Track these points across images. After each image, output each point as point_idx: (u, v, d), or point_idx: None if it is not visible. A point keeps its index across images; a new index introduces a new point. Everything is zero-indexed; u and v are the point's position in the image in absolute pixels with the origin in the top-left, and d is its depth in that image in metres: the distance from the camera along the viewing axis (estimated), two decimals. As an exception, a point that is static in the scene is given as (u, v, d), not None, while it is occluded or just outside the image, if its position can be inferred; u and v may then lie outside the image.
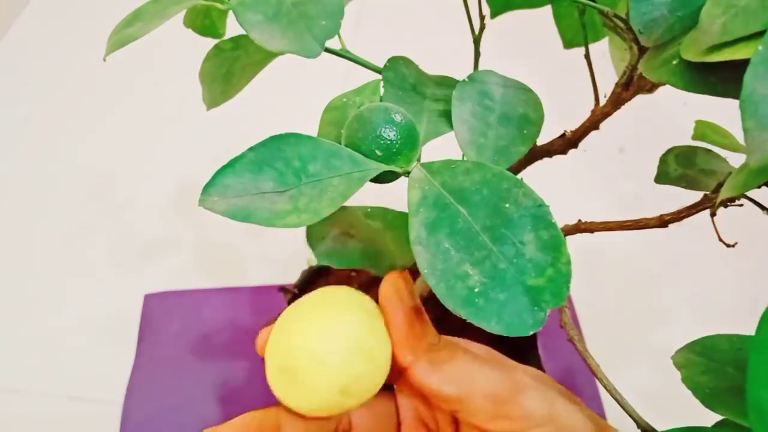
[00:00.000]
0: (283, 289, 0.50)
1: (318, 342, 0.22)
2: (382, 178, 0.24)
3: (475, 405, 0.22)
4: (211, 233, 0.68)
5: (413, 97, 0.29)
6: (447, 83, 0.30)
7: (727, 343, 0.27)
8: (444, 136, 0.28)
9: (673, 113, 0.66)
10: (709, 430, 0.24)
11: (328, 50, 0.26)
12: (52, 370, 0.59)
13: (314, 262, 0.49)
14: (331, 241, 0.25)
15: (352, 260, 0.25)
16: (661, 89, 0.28)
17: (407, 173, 0.24)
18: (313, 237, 0.26)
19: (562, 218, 0.22)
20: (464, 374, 0.23)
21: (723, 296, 0.62)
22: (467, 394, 0.22)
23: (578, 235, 0.32)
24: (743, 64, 0.18)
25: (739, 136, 0.18)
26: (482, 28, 0.32)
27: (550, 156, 0.33)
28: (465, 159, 0.26)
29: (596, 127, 0.31)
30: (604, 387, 0.27)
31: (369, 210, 0.24)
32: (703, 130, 0.32)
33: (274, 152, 0.22)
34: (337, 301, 0.24)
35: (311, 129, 0.27)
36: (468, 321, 0.19)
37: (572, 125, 0.32)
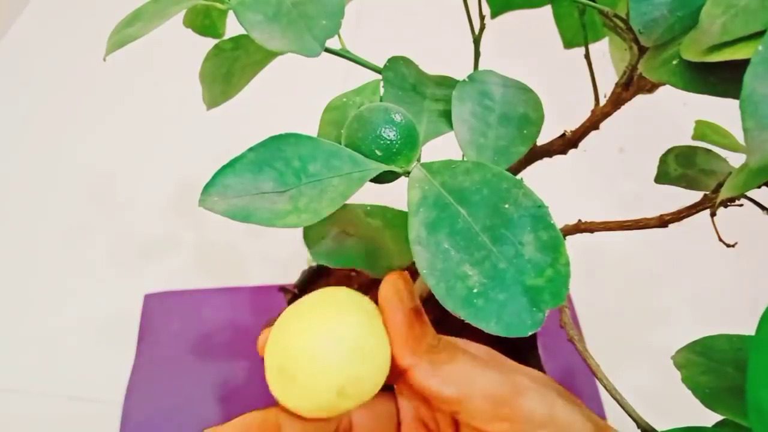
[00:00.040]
0: (283, 289, 0.50)
1: (316, 343, 0.22)
2: (382, 178, 0.24)
3: (474, 407, 0.22)
4: (211, 233, 0.68)
5: (413, 97, 0.29)
6: (447, 83, 0.30)
7: (727, 343, 0.27)
8: (444, 136, 0.28)
9: (673, 113, 0.66)
10: (709, 430, 0.24)
11: (328, 50, 0.26)
12: (52, 370, 0.59)
13: (314, 262, 0.49)
14: (329, 241, 0.25)
15: (349, 260, 0.25)
16: (661, 89, 0.28)
17: (407, 173, 0.24)
18: (310, 237, 0.26)
19: (562, 218, 0.22)
20: (464, 376, 0.22)
21: (723, 296, 0.62)
22: (467, 396, 0.22)
23: (578, 235, 0.32)
24: (743, 64, 0.18)
25: (739, 136, 0.18)
26: (482, 28, 0.32)
27: (550, 156, 0.33)
28: (465, 159, 0.26)
29: (596, 127, 0.31)
30: (604, 387, 0.27)
31: (369, 208, 0.24)
32: (703, 130, 0.32)
33: (274, 152, 0.22)
34: (336, 302, 0.23)
35: (311, 129, 0.27)
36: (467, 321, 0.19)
37: (572, 125, 0.32)
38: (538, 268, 0.20)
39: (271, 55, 0.33)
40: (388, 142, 0.24)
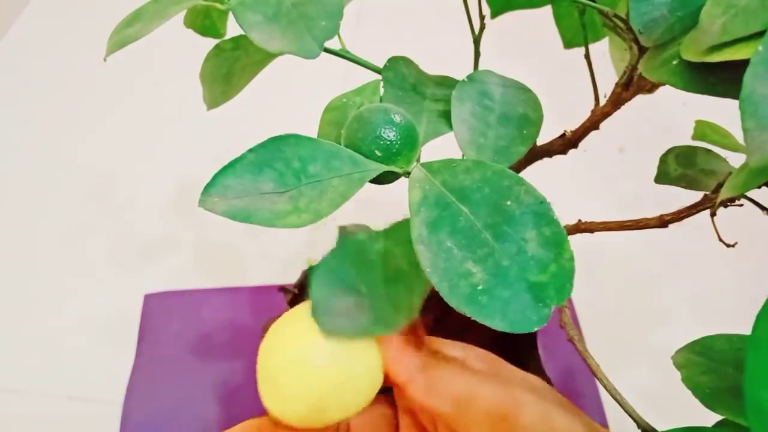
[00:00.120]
0: (283, 289, 0.50)
1: (298, 354, 0.22)
2: (382, 179, 0.24)
3: (472, 422, 0.22)
4: (211, 233, 0.68)
5: (413, 97, 0.29)
6: (447, 83, 0.30)
7: (727, 343, 0.27)
8: (444, 136, 0.28)
9: (673, 113, 0.66)
10: (709, 430, 0.24)
11: (327, 50, 0.26)
12: (52, 370, 0.59)
13: (314, 262, 0.49)
14: (343, 319, 0.23)
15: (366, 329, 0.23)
16: (661, 89, 0.28)
17: (407, 173, 0.24)
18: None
19: (562, 218, 0.22)
20: (461, 391, 0.22)
21: (723, 296, 0.62)
22: (464, 412, 0.22)
23: (578, 235, 0.32)
24: (743, 64, 0.18)
25: (739, 136, 0.18)
26: (482, 28, 0.32)
27: (550, 156, 0.33)
28: (465, 158, 0.26)
29: (596, 127, 0.31)
30: (604, 387, 0.27)
31: (373, 233, 0.23)
32: (703, 130, 0.32)
33: (274, 153, 0.22)
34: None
35: (311, 129, 0.27)
36: (470, 320, 0.19)
37: (572, 125, 0.32)
38: (542, 264, 0.20)
39: (271, 56, 0.33)
40: (388, 142, 0.24)
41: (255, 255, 0.66)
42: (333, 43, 0.27)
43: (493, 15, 0.35)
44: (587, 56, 0.31)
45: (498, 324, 0.19)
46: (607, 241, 0.51)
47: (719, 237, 0.28)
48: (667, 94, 0.28)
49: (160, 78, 0.84)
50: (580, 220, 0.32)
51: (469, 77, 0.29)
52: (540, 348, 0.44)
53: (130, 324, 0.61)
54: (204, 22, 0.34)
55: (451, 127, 0.27)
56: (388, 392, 0.26)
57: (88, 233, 0.69)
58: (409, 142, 0.24)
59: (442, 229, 0.21)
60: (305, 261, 0.51)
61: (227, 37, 0.34)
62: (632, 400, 0.26)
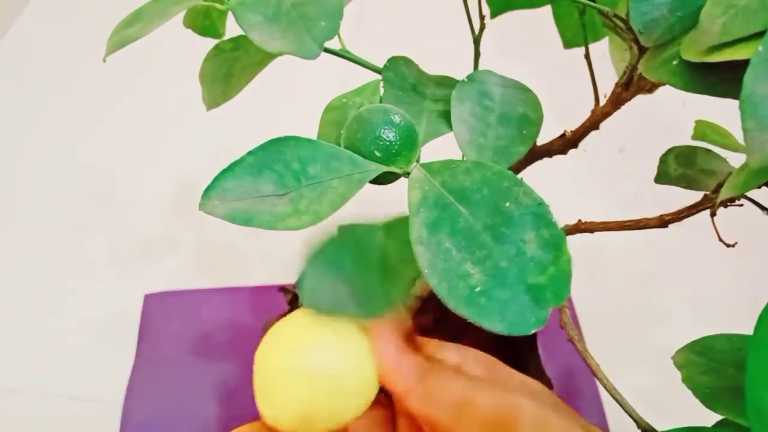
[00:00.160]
0: (283, 289, 0.50)
1: (291, 361, 0.22)
2: (382, 179, 0.24)
3: (470, 431, 0.22)
4: (211, 233, 0.68)
5: (413, 98, 0.29)
6: (447, 83, 0.30)
7: (727, 343, 0.27)
8: (444, 136, 0.28)
9: (673, 113, 0.66)
10: (709, 430, 0.24)
11: (327, 50, 0.26)
12: (52, 370, 0.59)
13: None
14: (325, 289, 0.23)
15: (344, 305, 0.23)
16: (661, 89, 0.28)
17: (407, 174, 0.24)
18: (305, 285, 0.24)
19: (562, 218, 0.22)
20: (459, 401, 0.22)
21: (723, 296, 0.62)
22: (463, 421, 0.22)
23: (578, 235, 0.32)
24: (743, 64, 0.18)
25: (739, 136, 0.18)
26: (482, 28, 0.32)
27: (550, 156, 0.33)
28: (465, 159, 0.26)
29: (596, 127, 0.31)
30: (604, 387, 0.27)
31: (373, 223, 0.24)
32: (703, 130, 0.32)
33: (274, 155, 0.22)
34: (322, 322, 0.23)
35: (311, 129, 0.27)
36: (469, 322, 0.19)
37: (572, 125, 0.32)
38: (540, 266, 0.20)
39: (270, 56, 0.33)
40: (388, 143, 0.24)
41: (255, 255, 0.66)
42: (333, 43, 0.27)
43: (493, 15, 0.35)
44: (587, 56, 0.31)
45: (496, 326, 0.19)
46: (607, 241, 0.51)
47: (719, 237, 0.28)
48: (667, 94, 0.28)
49: (160, 78, 0.84)
50: (580, 220, 0.32)
51: (469, 77, 0.29)
52: (540, 348, 0.44)
53: (130, 324, 0.61)
54: (204, 23, 0.34)
55: (451, 127, 0.27)
56: (386, 392, 0.26)
57: (88, 233, 0.69)
58: (409, 142, 0.24)
59: (441, 230, 0.21)
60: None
61: (226, 37, 0.34)
62: (632, 400, 0.26)
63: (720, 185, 0.27)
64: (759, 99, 0.17)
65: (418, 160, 0.24)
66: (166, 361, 0.58)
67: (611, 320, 0.61)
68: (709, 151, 0.32)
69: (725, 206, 0.27)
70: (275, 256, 0.66)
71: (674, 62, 0.22)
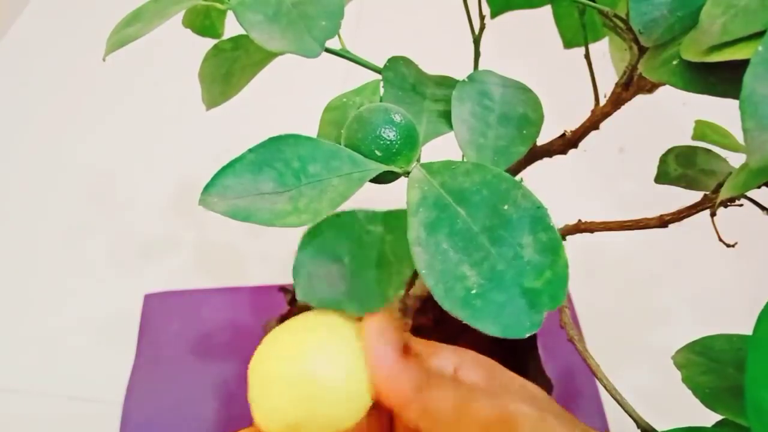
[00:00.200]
0: (283, 289, 0.50)
1: (284, 369, 0.22)
2: (382, 179, 0.24)
3: None
4: (211, 233, 0.68)
5: (413, 97, 0.29)
6: (447, 83, 0.30)
7: (727, 343, 0.27)
8: (444, 136, 0.28)
9: (673, 113, 0.66)
10: (709, 430, 0.24)
11: (328, 50, 0.26)
12: (52, 370, 0.59)
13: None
14: (318, 279, 0.23)
15: (337, 300, 0.23)
16: (661, 89, 0.28)
17: (407, 173, 0.24)
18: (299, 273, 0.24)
19: (562, 218, 0.22)
20: (457, 413, 0.22)
21: (723, 296, 0.62)
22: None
23: (578, 235, 0.32)
24: (743, 64, 0.18)
25: (739, 136, 0.18)
26: (482, 28, 0.32)
27: (550, 156, 0.33)
28: (465, 159, 0.26)
29: (596, 127, 0.31)
30: (604, 387, 0.27)
31: (370, 213, 0.24)
32: (703, 130, 0.32)
33: (274, 153, 0.22)
34: (316, 332, 0.23)
35: (311, 129, 0.27)
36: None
37: (572, 125, 0.32)
38: (537, 270, 0.20)
39: (270, 56, 0.33)
40: (388, 142, 0.24)
41: (255, 255, 0.66)
42: (333, 43, 0.27)
43: (493, 15, 0.35)
44: (587, 56, 0.31)
45: (491, 328, 0.19)
46: (607, 241, 0.51)
47: (719, 237, 0.28)
48: (667, 94, 0.28)
49: (160, 78, 0.84)
50: (580, 220, 0.32)
51: (469, 77, 0.29)
52: (540, 348, 0.44)
53: (130, 324, 0.61)
54: (203, 22, 0.34)
55: (451, 127, 0.27)
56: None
57: (88, 233, 0.69)
58: (409, 142, 0.24)
59: (439, 231, 0.21)
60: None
61: (226, 37, 0.34)
62: (632, 400, 0.26)
63: (720, 185, 0.27)
64: (759, 99, 0.17)
65: (418, 160, 0.24)
66: (166, 361, 0.58)
67: (611, 320, 0.61)
68: (709, 151, 0.32)
69: (725, 206, 0.27)
70: (275, 256, 0.66)
71: (674, 62, 0.22)
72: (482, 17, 0.32)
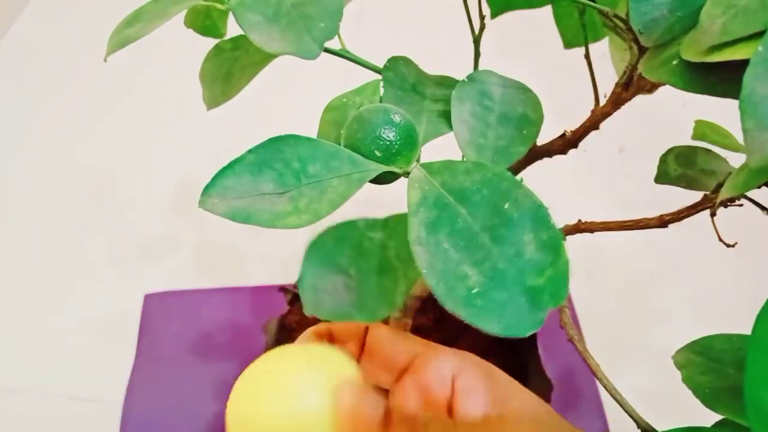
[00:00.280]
0: (283, 289, 0.50)
1: (254, 413, 0.22)
2: (382, 179, 0.24)
3: None
4: (211, 233, 0.68)
5: (413, 98, 0.29)
6: (447, 83, 0.30)
7: (727, 343, 0.27)
8: (444, 136, 0.28)
9: (673, 113, 0.66)
10: (709, 430, 0.24)
11: (327, 50, 0.26)
12: (52, 370, 0.59)
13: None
14: (327, 295, 0.23)
15: (347, 312, 0.23)
16: (661, 89, 0.28)
17: (407, 174, 0.24)
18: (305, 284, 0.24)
19: (562, 218, 0.22)
20: None
21: (723, 296, 0.62)
22: None
23: (578, 235, 0.32)
24: (743, 64, 0.18)
25: (739, 136, 0.18)
26: (482, 28, 0.32)
27: (550, 156, 0.33)
28: (465, 159, 0.26)
29: (596, 127, 0.31)
30: (604, 387, 0.27)
31: (370, 221, 0.24)
32: (703, 130, 0.32)
33: (274, 154, 0.22)
34: (298, 369, 0.23)
35: (311, 129, 0.27)
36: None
37: (572, 125, 0.32)
38: (538, 268, 0.20)
39: (271, 56, 0.33)
40: (388, 142, 0.24)
41: (255, 255, 0.66)
42: (333, 43, 0.27)
43: (493, 15, 0.35)
44: (587, 56, 0.31)
45: (493, 327, 0.19)
46: (607, 241, 0.51)
47: (719, 237, 0.28)
48: (667, 94, 0.28)
49: (160, 78, 0.84)
50: (580, 220, 0.32)
51: (469, 77, 0.29)
52: (540, 348, 0.44)
53: (130, 324, 0.61)
54: (204, 22, 0.34)
55: (451, 127, 0.27)
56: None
57: (88, 233, 0.69)
58: (409, 142, 0.24)
59: (440, 230, 0.21)
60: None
61: (227, 37, 0.34)
62: (632, 400, 0.26)
63: (720, 185, 0.27)
64: (759, 99, 0.17)
65: (418, 160, 0.24)
66: (166, 361, 0.58)
67: (611, 320, 0.61)
68: (709, 151, 0.32)
69: (725, 206, 0.27)
70: (275, 256, 0.66)
71: (674, 62, 0.22)
72: (482, 17, 0.32)
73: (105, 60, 0.27)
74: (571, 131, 0.32)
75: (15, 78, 0.87)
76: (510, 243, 0.20)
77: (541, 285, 0.19)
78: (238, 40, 0.33)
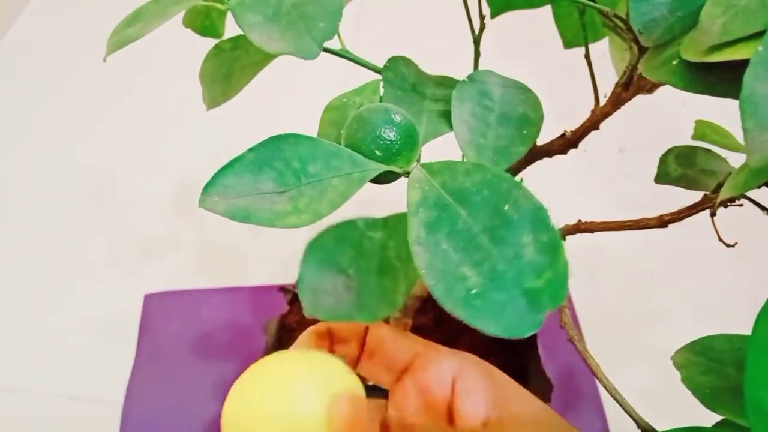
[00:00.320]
0: (283, 289, 0.50)
1: (250, 417, 0.22)
2: (382, 179, 0.24)
3: None
4: (211, 233, 0.68)
5: (413, 97, 0.29)
6: (447, 83, 0.30)
7: (727, 343, 0.27)
8: (444, 136, 0.28)
9: (673, 113, 0.66)
10: (709, 430, 0.24)
11: (327, 50, 0.26)
12: (52, 370, 0.59)
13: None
14: (327, 296, 0.23)
15: (347, 312, 0.23)
16: (661, 89, 0.28)
17: (407, 173, 0.24)
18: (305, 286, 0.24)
19: (562, 218, 0.22)
20: None
21: (723, 296, 0.62)
22: None
23: (578, 235, 0.32)
24: (743, 64, 0.18)
25: (739, 136, 0.18)
26: (482, 28, 0.32)
27: (550, 156, 0.33)
28: (465, 159, 0.26)
29: (596, 127, 0.31)
30: (604, 387, 0.27)
31: (370, 221, 0.24)
32: (703, 130, 0.32)
33: (274, 153, 0.22)
34: (294, 374, 0.23)
35: (311, 129, 0.27)
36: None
37: (572, 125, 0.32)
38: (537, 269, 0.20)
39: (270, 56, 0.33)
40: (388, 142, 0.24)
41: (255, 255, 0.66)
42: (333, 43, 0.27)
43: (493, 15, 0.35)
44: (587, 56, 0.31)
45: (492, 328, 0.19)
46: (607, 241, 0.51)
47: (719, 237, 0.28)
48: (667, 94, 0.28)
49: (160, 78, 0.84)
50: (580, 220, 0.32)
51: (469, 77, 0.29)
52: (540, 348, 0.44)
53: (130, 324, 0.61)
54: (204, 22, 0.34)
55: (451, 127, 0.27)
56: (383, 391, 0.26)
57: (88, 233, 0.69)
58: (409, 142, 0.24)
59: (439, 231, 0.21)
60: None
61: (226, 37, 0.34)
62: (632, 400, 0.26)
63: (720, 185, 0.27)
64: (759, 99, 0.17)
65: (418, 160, 0.24)
66: (166, 361, 0.58)
67: (611, 320, 0.61)
68: (709, 151, 0.32)
69: (725, 206, 0.27)
70: (275, 256, 0.66)
71: (674, 62, 0.22)
72: (482, 17, 0.32)
73: (104, 60, 0.27)
74: (571, 131, 0.32)
75: (15, 78, 0.87)
76: (509, 244, 0.20)
77: (540, 287, 0.19)
78: (237, 40, 0.33)
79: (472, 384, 0.24)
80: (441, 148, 0.28)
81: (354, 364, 0.26)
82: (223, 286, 0.64)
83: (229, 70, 0.33)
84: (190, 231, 0.68)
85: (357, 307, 0.22)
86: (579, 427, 0.24)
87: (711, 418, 0.24)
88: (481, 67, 0.31)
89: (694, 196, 0.29)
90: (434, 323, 0.45)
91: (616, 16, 0.25)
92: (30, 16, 0.95)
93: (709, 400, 0.25)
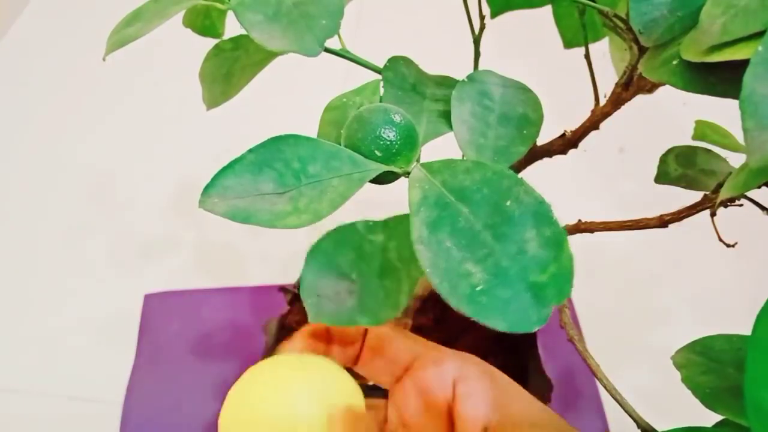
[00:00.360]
0: (283, 289, 0.50)
1: (240, 420, 0.22)
2: (382, 179, 0.24)
3: None
4: (211, 233, 0.68)
5: (413, 97, 0.29)
6: (447, 83, 0.30)
7: (727, 343, 0.27)
8: (444, 136, 0.28)
9: (673, 113, 0.66)
10: (709, 430, 0.24)
11: (328, 50, 0.26)
12: (52, 370, 0.59)
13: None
14: (329, 301, 0.23)
15: (350, 317, 0.24)
16: (661, 89, 0.28)
17: (407, 174, 0.24)
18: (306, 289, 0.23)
19: (562, 218, 0.22)
20: None
21: (723, 296, 0.62)
22: None
23: (578, 235, 0.32)
24: (743, 64, 0.18)
25: (739, 136, 0.18)
26: (482, 28, 0.32)
27: (550, 156, 0.33)
28: (465, 159, 0.26)
29: (596, 127, 0.31)
30: (604, 387, 0.27)
31: (370, 223, 0.24)
32: (703, 130, 0.32)
33: (274, 153, 0.22)
34: (292, 377, 0.23)
35: (311, 129, 0.27)
36: (469, 321, 0.19)
37: (572, 125, 0.32)
38: (542, 264, 0.20)
39: (271, 55, 0.33)
40: (388, 142, 0.24)
41: (255, 255, 0.66)
42: (333, 43, 0.27)
43: (493, 15, 0.35)
44: (587, 56, 0.31)
45: (498, 324, 0.19)
46: (607, 241, 0.51)
47: (719, 237, 0.28)
48: (667, 94, 0.28)
49: (160, 78, 0.84)
50: (580, 220, 0.32)
51: (469, 77, 0.29)
52: (540, 348, 0.44)
53: (130, 324, 0.61)
54: (203, 22, 0.34)
55: (451, 127, 0.27)
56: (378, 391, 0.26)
57: (88, 233, 0.69)
58: (409, 142, 0.24)
59: (441, 230, 0.21)
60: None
61: (226, 37, 0.34)
62: (632, 400, 0.26)
63: (720, 185, 0.27)
64: (759, 99, 0.17)
65: (418, 160, 0.24)
66: (166, 361, 0.58)
67: (611, 320, 0.61)
68: (709, 151, 0.32)
69: (725, 206, 0.27)
70: (275, 256, 0.66)
71: (674, 62, 0.22)
72: (482, 17, 0.32)
73: (104, 59, 0.27)
74: (571, 131, 0.32)
75: (15, 78, 0.87)
76: (512, 240, 0.20)
77: (545, 281, 0.19)
78: (238, 40, 0.33)
79: (473, 385, 0.24)
80: (441, 148, 0.28)
81: (354, 363, 0.26)
82: (223, 286, 0.64)
83: (229, 70, 0.33)
84: (190, 231, 0.68)
85: (360, 311, 0.22)
86: (579, 427, 0.24)
87: (711, 418, 0.24)
88: (481, 67, 0.31)
89: (694, 196, 0.29)
90: (434, 323, 0.45)
91: (616, 16, 0.25)
92: (30, 16, 0.95)
93: (709, 400, 0.25)
